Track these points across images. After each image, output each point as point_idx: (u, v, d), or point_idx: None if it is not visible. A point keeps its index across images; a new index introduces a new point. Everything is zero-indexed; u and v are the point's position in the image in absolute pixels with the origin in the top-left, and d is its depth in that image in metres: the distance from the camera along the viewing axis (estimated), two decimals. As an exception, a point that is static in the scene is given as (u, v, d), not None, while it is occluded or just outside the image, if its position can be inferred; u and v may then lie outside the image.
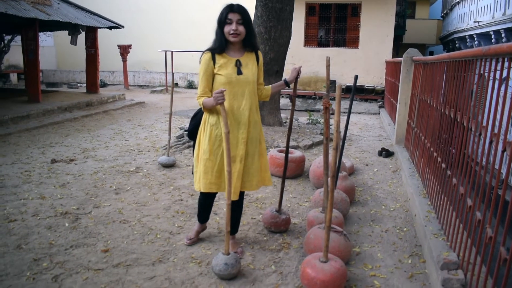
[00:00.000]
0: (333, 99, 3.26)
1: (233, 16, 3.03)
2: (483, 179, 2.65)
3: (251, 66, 3.22)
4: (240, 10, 3.06)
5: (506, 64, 2.41)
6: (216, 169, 3.19)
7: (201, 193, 3.40)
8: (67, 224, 3.98)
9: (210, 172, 3.19)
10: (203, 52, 3.17)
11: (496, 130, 2.45)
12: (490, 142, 2.54)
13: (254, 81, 3.23)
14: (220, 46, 3.12)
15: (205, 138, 3.20)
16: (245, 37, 3.13)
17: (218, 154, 3.17)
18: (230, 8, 3.04)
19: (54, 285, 2.96)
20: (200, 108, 3.35)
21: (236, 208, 3.47)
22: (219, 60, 3.13)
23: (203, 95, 3.16)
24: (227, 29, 3.06)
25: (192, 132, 3.47)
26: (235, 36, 3.07)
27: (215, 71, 3.13)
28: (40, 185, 5.13)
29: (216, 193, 3.45)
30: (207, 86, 3.17)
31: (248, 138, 3.22)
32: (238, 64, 3.16)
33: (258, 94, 3.36)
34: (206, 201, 3.51)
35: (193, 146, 3.44)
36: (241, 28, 3.06)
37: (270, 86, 3.49)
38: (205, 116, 3.25)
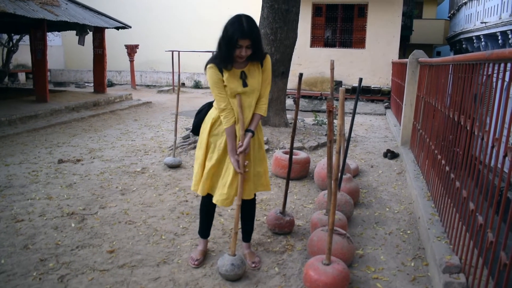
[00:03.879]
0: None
1: (243, 42, 2.85)
2: (485, 183, 2.66)
3: (257, 75, 3.08)
4: (251, 35, 2.85)
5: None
6: (219, 174, 3.17)
7: (203, 197, 3.34)
8: (73, 225, 4.03)
9: (215, 176, 3.19)
10: (207, 64, 3.04)
11: (498, 135, 2.46)
12: (492, 147, 2.55)
13: (258, 90, 3.10)
14: (226, 65, 2.98)
15: (214, 147, 3.15)
16: (251, 54, 2.98)
17: (223, 160, 3.15)
18: (241, 34, 2.81)
19: (60, 285, 3.01)
20: (205, 105, 3.32)
21: (247, 214, 3.42)
22: (225, 72, 3.00)
23: (226, 105, 3.04)
24: (235, 52, 2.89)
25: (196, 127, 3.36)
26: (242, 58, 2.96)
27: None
28: (47, 185, 5.19)
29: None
30: (225, 97, 3.04)
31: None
32: (243, 77, 3.04)
33: None
34: (208, 205, 3.38)
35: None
36: (249, 51, 2.92)
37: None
38: (210, 122, 3.15)
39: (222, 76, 3.01)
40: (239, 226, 3.49)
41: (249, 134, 3.07)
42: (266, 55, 3.15)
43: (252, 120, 3.14)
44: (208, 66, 3.03)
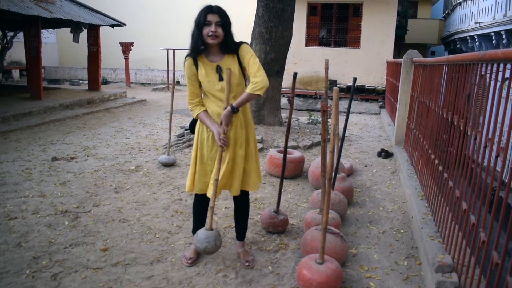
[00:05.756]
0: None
1: (212, 18, 2.94)
2: (478, 182, 2.67)
3: (233, 69, 3.06)
4: (219, 11, 2.97)
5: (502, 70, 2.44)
6: (215, 172, 3.17)
7: (196, 195, 3.36)
8: (67, 223, 4.02)
9: (209, 174, 3.19)
10: (185, 57, 3.12)
11: (490, 135, 2.48)
12: (485, 147, 2.57)
13: (237, 84, 3.09)
14: (196, 48, 3.03)
15: (202, 144, 3.18)
16: (222, 40, 3.01)
17: (214, 158, 3.15)
18: (209, 9, 2.95)
19: (53, 283, 3.00)
20: None
21: (241, 212, 3.43)
22: (201, 66, 3.07)
23: (193, 100, 3.16)
24: (205, 31, 2.95)
25: (193, 124, 3.38)
26: (213, 38, 2.96)
27: (198, 76, 3.10)
28: (40, 183, 5.17)
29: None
30: (195, 91, 3.17)
31: (234, 138, 3.15)
32: (218, 70, 3.07)
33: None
34: (201, 203, 3.39)
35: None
36: (220, 30, 2.95)
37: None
38: (199, 126, 3.22)
39: (197, 70, 3.09)
40: (234, 222, 3.53)
41: (228, 108, 3.01)
42: (242, 46, 3.09)
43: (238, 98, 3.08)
44: (186, 59, 3.13)
